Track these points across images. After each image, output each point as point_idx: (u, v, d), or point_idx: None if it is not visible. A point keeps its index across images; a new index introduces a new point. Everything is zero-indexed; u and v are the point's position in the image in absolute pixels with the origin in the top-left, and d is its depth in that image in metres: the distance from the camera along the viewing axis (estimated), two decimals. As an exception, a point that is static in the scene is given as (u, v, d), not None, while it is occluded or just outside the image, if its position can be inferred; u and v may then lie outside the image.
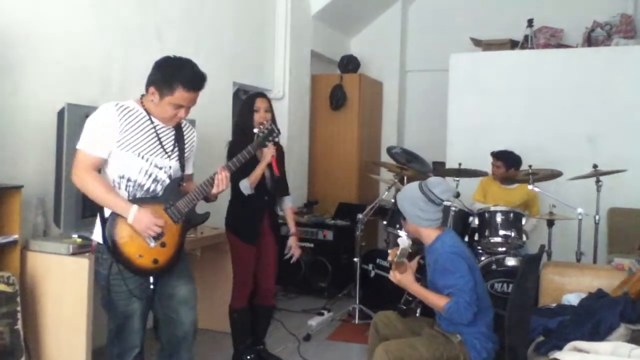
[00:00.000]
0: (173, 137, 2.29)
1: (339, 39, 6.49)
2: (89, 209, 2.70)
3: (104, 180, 2.16)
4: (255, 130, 2.76)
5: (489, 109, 5.37)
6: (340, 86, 5.94)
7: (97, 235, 2.22)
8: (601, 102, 5.02)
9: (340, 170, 5.98)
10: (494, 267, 3.77)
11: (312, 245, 4.95)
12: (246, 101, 3.23)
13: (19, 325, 2.45)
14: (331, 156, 6.02)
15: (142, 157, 2.18)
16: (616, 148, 4.90)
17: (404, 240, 2.36)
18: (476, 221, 3.86)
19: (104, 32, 3.34)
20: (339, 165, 5.99)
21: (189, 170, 2.43)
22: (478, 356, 2.41)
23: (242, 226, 3.15)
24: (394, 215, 3.88)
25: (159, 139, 2.23)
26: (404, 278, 2.46)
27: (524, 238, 3.86)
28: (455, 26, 6.20)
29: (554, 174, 4.07)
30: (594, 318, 2.42)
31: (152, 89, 2.17)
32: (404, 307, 2.69)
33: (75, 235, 2.72)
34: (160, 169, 2.24)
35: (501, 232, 3.82)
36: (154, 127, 2.22)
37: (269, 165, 2.99)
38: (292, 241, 3.31)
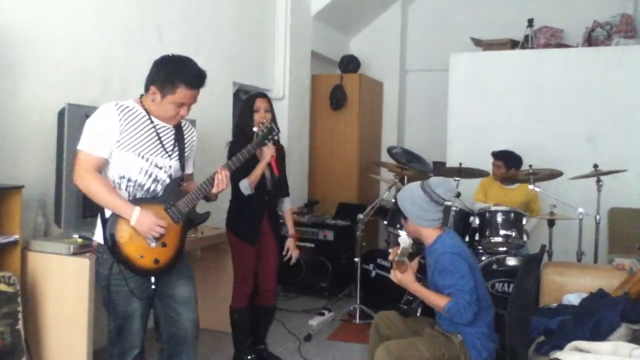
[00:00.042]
0: (173, 136, 2.29)
1: (339, 39, 6.49)
2: (89, 208, 2.69)
3: (106, 182, 2.15)
4: (255, 129, 2.76)
5: (490, 109, 5.37)
6: (341, 86, 5.94)
7: (97, 236, 2.22)
8: (601, 102, 5.02)
9: (340, 170, 5.98)
10: (494, 267, 3.77)
11: (312, 245, 4.95)
12: (246, 101, 3.23)
13: (20, 326, 2.46)
14: (331, 156, 6.02)
15: (143, 157, 2.18)
16: (617, 148, 4.90)
17: (404, 239, 2.35)
18: (477, 221, 3.85)
19: (104, 32, 3.34)
20: (339, 165, 5.99)
21: (189, 170, 2.43)
22: (479, 356, 2.41)
23: (242, 226, 3.15)
24: (394, 215, 3.88)
25: (159, 138, 2.23)
26: (405, 277, 2.45)
27: (525, 238, 3.85)
28: (456, 26, 6.20)
29: (554, 174, 4.07)
30: (595, 318, 2.41)
31: (153, 89, 2.16)
32: (405, 307, 2.69)
33: (75, 235, 2.73)
34: (161, 168, 2.23)
35: (502, 232, 3.82)
36: (154, 127, 2.22)
37: (269, 165, 2.99)
38: (290, 243, 3.31)
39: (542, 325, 2.61)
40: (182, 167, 2.33)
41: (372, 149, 6.38)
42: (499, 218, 3.84)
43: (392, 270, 2.48)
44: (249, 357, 3.23)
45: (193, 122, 2.99)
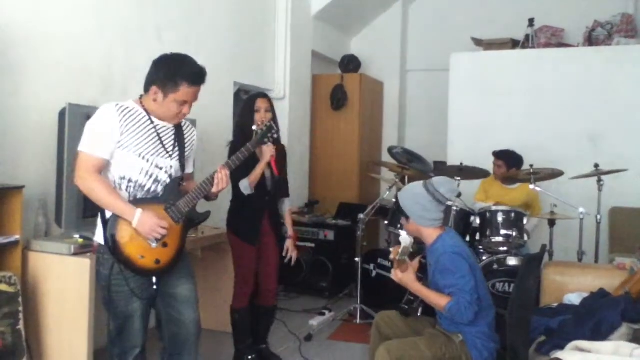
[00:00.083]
0: (173, 136, 2.29)
1: (339, 39, 6.49)
2: (90, 209, 2.69)
3: (107, 183, 2.15)
4: (254, 128, 2.76)
5: (490, 109, 5.37)
6: (341, 86, 5.94)
7: (98, 236, 2.22)
8: (602, 102, 5.02)
9: (341, 170, 5.98)
10: (495, 266, 3.77)
11: (313, 245, 4.95)
12: (247, 101, 3.23)
13: (21, 326, 2.46)
14: (332, 156, 6.02)
15: (143, 158, 2.18)
16: (617, 147, 4.90)
17: (405, 238, 2.35)
18: (477, 221, 3.85)
19: (104, 32, 3.34)
20: (340, 165, 5.99)
21: (189, 170, 2.43)
22: (479, 356, 2.41)
23: (242, 226, 3.15)
24: (395, 215, 3.88)
25: (160, 138, 2.23)
26: (406, 277, 2.45)
27: (526, 238, 3.85)
28: (456, 26, 6.21)
29: (555, 174, 4.07)
30: (596, 317, 2.41)
31: (154, 89, 2.16)
32: (406, 307, 2.68)
33: (76, 236, 2.72)
34: (161, 169, 2.23)
35: (502, 232, 3.81)
36: (155, 127, 2.22)
37: (269, 165, 2.99)
38: (289, 244, 3.30)
39: (542, 325, 2.61)
40: (183, 167, 2.33)
41: (372, 148, 6.38)
42: (500, 218, 3.84)
43: (393, 270, 2.48)
44: (250, 357, 3.23)
45: (193, 122, 2.99)
